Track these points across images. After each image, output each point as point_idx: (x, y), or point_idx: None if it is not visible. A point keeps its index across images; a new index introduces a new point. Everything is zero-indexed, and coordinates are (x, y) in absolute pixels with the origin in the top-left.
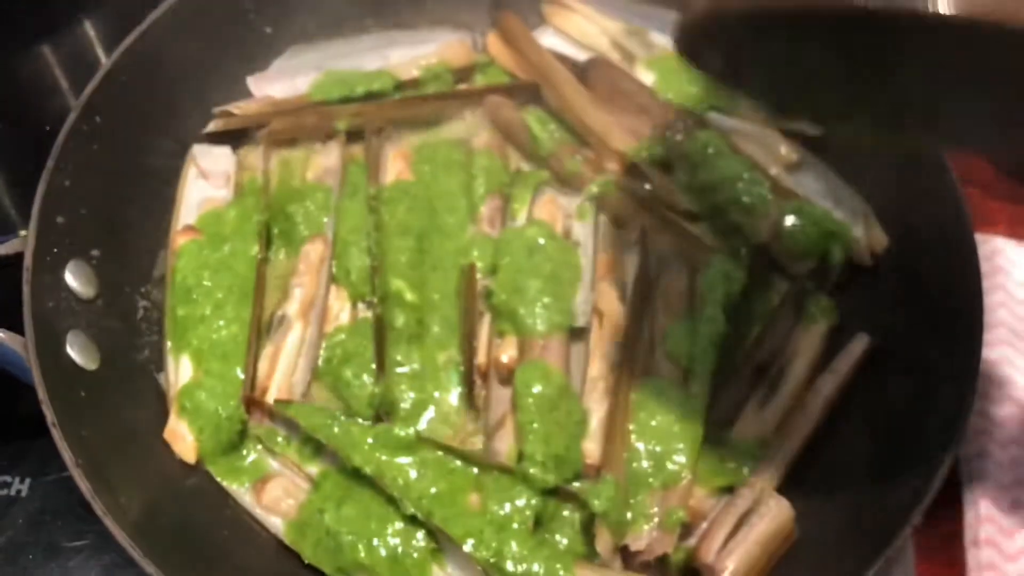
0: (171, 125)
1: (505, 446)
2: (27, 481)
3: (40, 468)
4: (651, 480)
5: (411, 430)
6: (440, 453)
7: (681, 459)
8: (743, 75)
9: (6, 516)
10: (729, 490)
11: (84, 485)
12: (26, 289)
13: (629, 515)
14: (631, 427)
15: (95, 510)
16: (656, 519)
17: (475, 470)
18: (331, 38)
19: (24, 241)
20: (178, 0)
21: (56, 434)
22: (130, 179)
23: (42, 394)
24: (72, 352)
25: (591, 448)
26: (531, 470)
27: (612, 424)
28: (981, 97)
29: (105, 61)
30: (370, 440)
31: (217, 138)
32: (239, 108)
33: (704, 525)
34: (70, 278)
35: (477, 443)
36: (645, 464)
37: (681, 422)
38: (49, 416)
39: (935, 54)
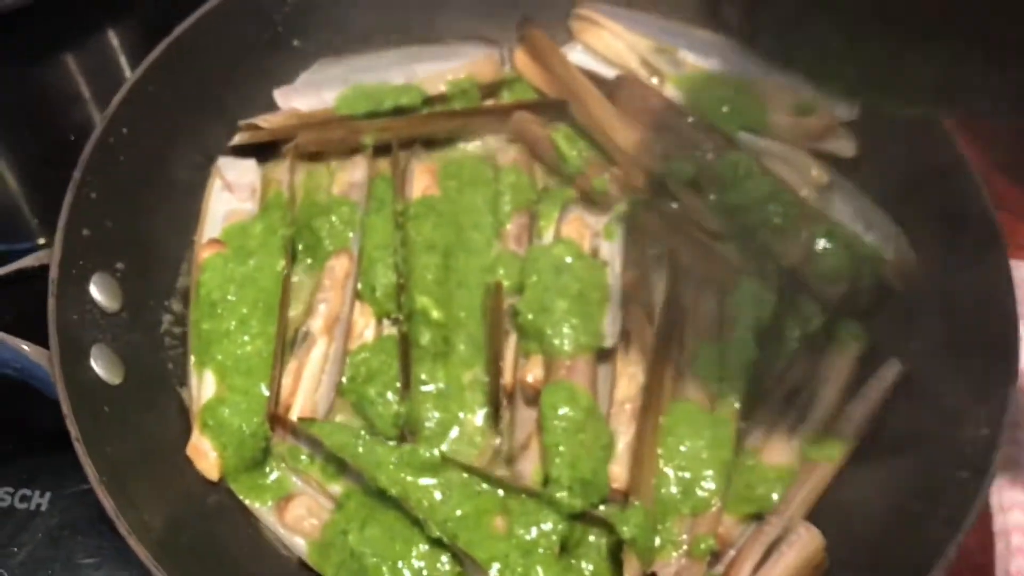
0: (197, 137)
1: (531, 468)
2: (47, 495)
3: (59, 481)
4: (680, 506)
5: (436, 451)
6: (465, 475)
7: (710, 485)
8: (758, 33)
9: (26, 530)
10: (758, 517)
11: (108, 503)
12: (52, 302)
13: (657, 541)
14: (659, 452)
15: (119, 529)
16: (685, 546)
17: (501, 493)
18: (358, 52)
19: (50, 253)
20: (205, 12)
21: (80, 450)
22: (155, 191)
23: (66, 409)
24: (96, 366)
25: (618, 472)
26: (558, 494)
27: (640, 448)
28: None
29: (129, 72)
30: (395, 460)
31: (243, 151)
32: (265, 121)
33: (732, 552)
34: (95, 291)
35: (502, 464)
36: (674, 490)
37: (710, 448)
38: (73, 431)
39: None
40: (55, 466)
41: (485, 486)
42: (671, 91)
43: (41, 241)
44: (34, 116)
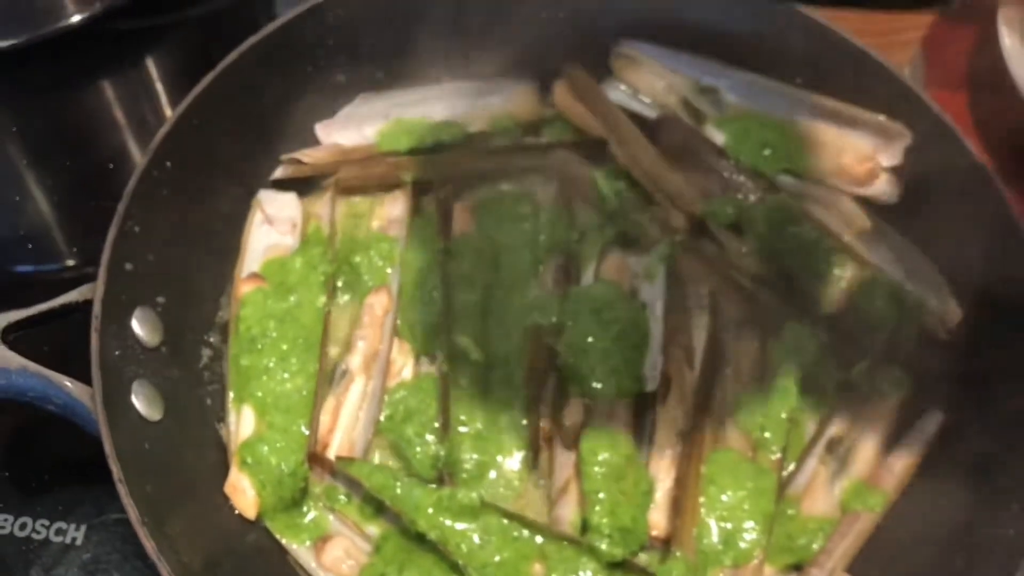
0: (239, 171)
1: (569, 513)
2: (82, 528)
3: (94, 514)
4: (721, 557)
5: (475, 495)
6: (505, 520)
7: (752, 536)
8: None
9: (61, 564)
10: (797, 567)
11: (149, 545)
12: (95, 337)
13: None
14: (701, 501)
15: (160, 571)
16: None
17: (539, 539)
18: (400, 87)
19: (92, 288)
20: (249, 46)
21: (123, 491)
22: (197, 224)
23: (109, 449)
24: (137, 402)
25: (658, 519)
26: (597, 542)
27: (683, 497)
28: None
29: (167, 101)
30: (433, 504)
31: (283, 184)
32: (308, 155)
33: None
34: (136, 325)
35: (540, 508)
36: (715, 540)
37: (752, 498)
38: (116, 472)
39: None
40: (90, 498)
41: (524, 532)
42: (712, 132)
43: (70, 263)
44: (69, 142)
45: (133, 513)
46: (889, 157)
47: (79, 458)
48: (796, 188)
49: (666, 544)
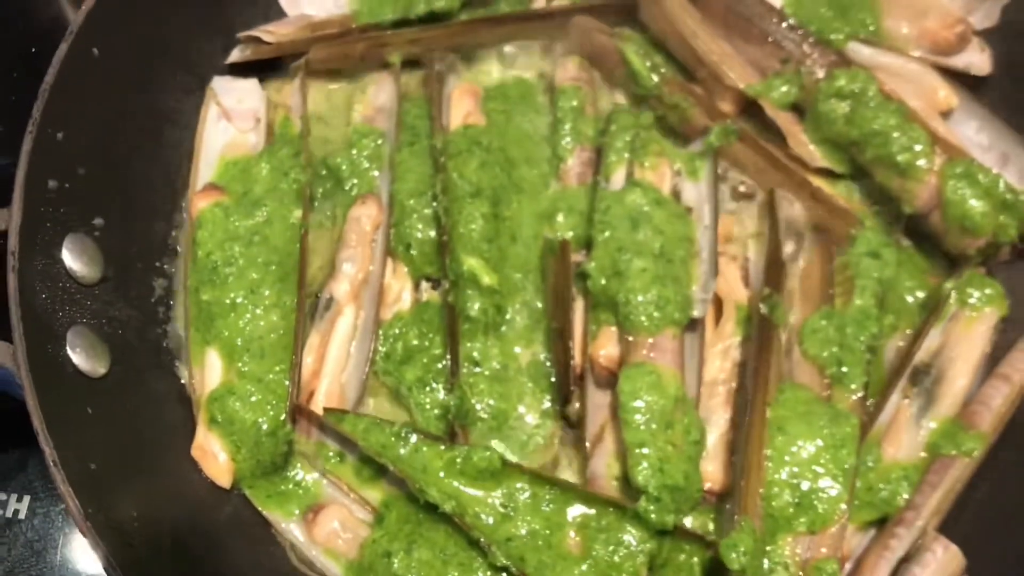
0: (187, 54)
1: (606, 466)
2: (25, 499)
3: (40, 481)
4: (794, 522)
5: (494, 455)
6: (531, 483)
7: (831, 495)
8: None
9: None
10: (879, 522)
11: (101, 551)
12: (12, 280)
13: (765, 564)
14: (767, 453)
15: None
16: (800, 572)
17: (575, 504)
18: None
19: (7, 215)
20: None
21: (59, 476)
22: (138, 124)
23: (39, 424)
24: (75, 356)
25: (712, 471)
26: (645, 508)
27: (746, 450)
28: None
29: None
30: (445, 465)
31: (242, 69)
32: (269, 32)
33: (848, 566)
34: (68, 257)
35: (571, 461)
36: (786, 501)
37: (830, 448)
38: (49, 453)
39: None
40: (33, 463)
41: (555, 494)
42: None
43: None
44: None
45: (74, 507)
46: (983, 18)
47: (16, 417)
48: (869, 59)
49: (720, 498)
